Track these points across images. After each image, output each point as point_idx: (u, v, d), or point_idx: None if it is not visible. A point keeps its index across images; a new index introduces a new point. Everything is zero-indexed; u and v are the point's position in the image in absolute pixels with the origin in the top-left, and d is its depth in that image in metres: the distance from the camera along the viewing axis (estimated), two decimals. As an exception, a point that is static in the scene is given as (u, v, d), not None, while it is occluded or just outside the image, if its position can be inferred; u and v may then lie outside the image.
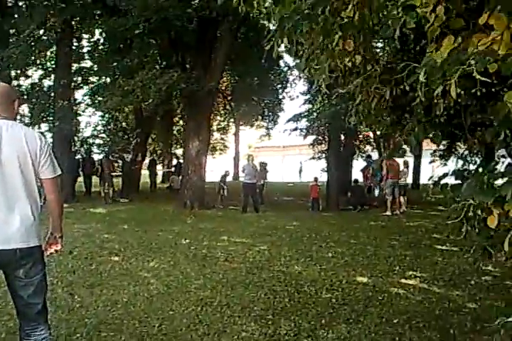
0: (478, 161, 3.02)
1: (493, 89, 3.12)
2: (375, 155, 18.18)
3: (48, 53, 15.72)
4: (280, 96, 23.16)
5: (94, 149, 16.76)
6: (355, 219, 10.84)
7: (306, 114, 16.64)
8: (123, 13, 11.28)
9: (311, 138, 18.80)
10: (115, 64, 14.39)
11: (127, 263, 6.10)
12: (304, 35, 2.78)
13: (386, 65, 3.31)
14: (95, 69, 15.96)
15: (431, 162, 17.43)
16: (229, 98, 23.90)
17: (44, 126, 14.96)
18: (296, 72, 19.68)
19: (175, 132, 26.09)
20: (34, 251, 2.50)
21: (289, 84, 22.34)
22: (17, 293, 2.51)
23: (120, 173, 16.45)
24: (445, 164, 16.11)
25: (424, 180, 17.39)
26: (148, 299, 4.56)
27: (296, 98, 22.11)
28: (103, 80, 16.43)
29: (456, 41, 2.04)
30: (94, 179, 16.10)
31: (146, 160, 21.59)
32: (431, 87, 2.12)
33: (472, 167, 2.76)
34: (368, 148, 19.36)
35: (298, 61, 3.34)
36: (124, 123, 20.98)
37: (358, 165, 17.54)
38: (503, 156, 2.91)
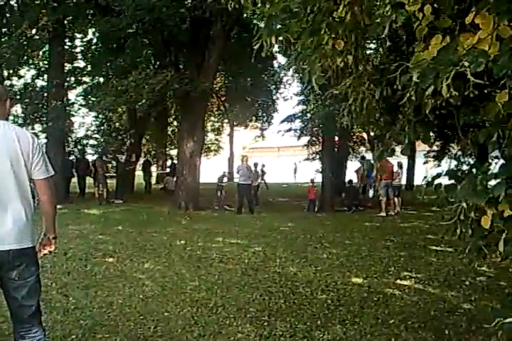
0: (472, 162, 3.03)
1: (485, 90, 3.13)
2: (369, 157, 18.21)
3: (41, 53, 15.63)
4: (274, 97, 23.19)
5: (88, 150, 16.70)
6: (350, 220, 10.86)
7: (300, 114, 16.68)
8: (116, 12, 11.23)
9: (305, 139, 18.83)
10: (108, 64, 14.34)
11: (122, 264, 6.07)
12: (293, 34, 2.78)
13: (379, 65, 3.32)
14: (88, 69, 15.90)
15: (424, 163, 17.54)
16: (223, 98, 23.88)
17: (37, 127, 14.89)
18: (290, 73, 19.72)
19: (169, 133, 26.02)
20: (27, 252, 2.47)
21: (282, 85, 22.41)
22: (10, 294, 2.48)
23: (114, 174, 16.38)
24: (439, 165, 16.21)
25: (418, 181, 17.46)
26: (143, 300, 4.54)
27: (290, 99, 22.21)
28: (96, 80, 16.37)
29: (444, 40, 2.05)
30: (89, 180, 16.02)
31: (141, 161, 21.52)
32: (421, 87, 2.13)
33: (466, 167, 2.76)
34: (362, 149, 19.41)
35: (288, 61, 3.34)
36: (117, 124, 20.92)
37: (352, 166, 17.59)
38: (496, 157, 2.92)
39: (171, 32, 11.66)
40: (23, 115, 15.24)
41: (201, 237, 8.21)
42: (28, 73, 16.63)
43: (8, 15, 14.20)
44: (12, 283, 2.46)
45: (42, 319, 2.65)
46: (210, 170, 23.87)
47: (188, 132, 13.14)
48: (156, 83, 11.25)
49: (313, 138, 18.32)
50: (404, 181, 16.46)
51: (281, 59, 19.27)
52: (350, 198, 13.26)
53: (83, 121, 18.33)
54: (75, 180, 16.21)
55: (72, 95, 16.50)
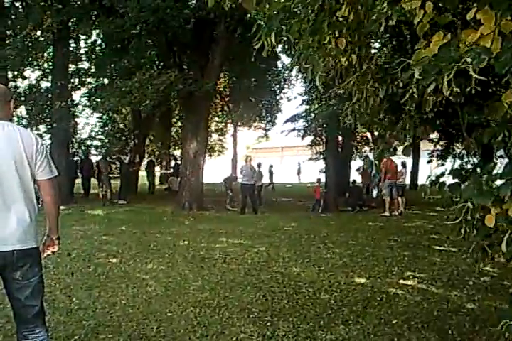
0: (476, 161, 3.02)
1: (489, 89, 3.12)
2: (372, 156, 18.18)
3: (45, 54, 15.71)
4: (278, 97, 23.21)
5: (92, 151, 16.75)
6: (354, 220, 10.84)
7: (303, 114, 16.67)
8: (120, 14, 11.26)
9: (309, 139, 18.82)
10: (112, 65, 14.37)
11: (125, 265, 6.08)
12: (294, 33, 2.78)
13: (383, 64, 3.32)
14: (92, 70, 15.94)
15: (428, 162, 17.47)
16: (226, 99, 23.90)
17: (42, 128, 14.94)
18: (294, 73, 19.71)
19: (173, 133, 26.07)
20: (31, 252, 2.48)
21: (286, 85, 22.40)
22: (14, 295, 2.50)
23: (118, 175, 16.42)
24: (442, 164, 16.16)
25: (422, 180, 17.42)
26: (146, 301, 4.55)
27: (294, 99, 22.20)
28: (100, 81, 16.41)
29: (446, 37, 2.05)
30: (93, 181, 16.06)
31: (144, 162, 21.56)
32: (422, 84, 2.12)
33: (470, 166, 2.75)
34: (366, 148, 19.39)
35: (291, 61, 3.36)
36: (121, 125, 20.97)
37: (356, 166, 17.56)
38: (501, 156, 2.91)
39: (175, 33, 11.67)
40: (27, 116, 15.29)
41: (205, 237, 8.22)
42: (32, 74, 16.73)
43: (12, 17, 14.26)
44: (16, 284, 2.47)
45: (45, 319, 2.66)
46: (214, 170, 23.89)
47: (191, 132, 13.16)
48: (160, 84, 11.28)
49: (317, 138, 18.32)
50: (408, 181, 16.41)
51: (285, 59, 19.29)
52: (354, 198, 13.24)
53: (87, 122, 18.39)
54: (79, 180, 16.28)
55: (76, 96, 16.56)
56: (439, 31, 2.10)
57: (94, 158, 16.82)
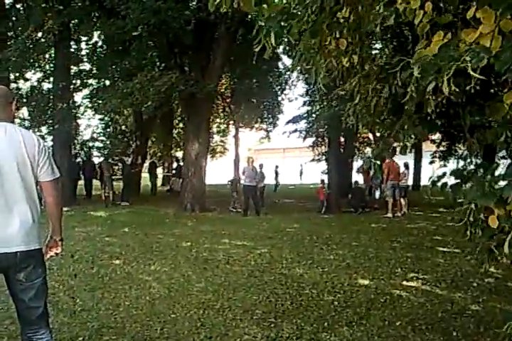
0: (478, 162, 3.01)
1: (491, 90, 3.11)
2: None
3: (47, 56, 15.72)
4: (279, 98, 23.20)
5: (94, 152, 16.75)
6: (356, 222, 10.82)
7: (305, 115, 16.67)
8: (121, 15, 11.28)
9: (310, 140, 18.82)
10: (114, 66, 14.40)
11: (128, 266, 6.08)
12: (294, 35, 2.78)
13: (384, 65, 3.32)
14: (94, 71, 15.95)
15: (431, 163, 17.47)
16: (228, 100, 23.90)
17: (44, 129, 14.94)
18: (295, 74, 19.72)
19: (175, 135, 26.07)
20: (34, 253, 2.48)
21: (288, 86, 22.40)
22: (18, 296, 2.50)
23: (120, 176, 16.43)
24: (445, 165, 16.13)
25: (424, 181, 17.39)
26: (150, 302, 4.54)
27: (295, 100, 22.17)
28: (102, 83, 16.43)
29: (446, 37, 2.05)
30: (95, 182, 16.08)
31: (146, 163, 21.58)
32: (422, 84, 2.12)
33: (472, 167, 2.75)
34: (368, 149, 19.37)
35: (293, 62, 3.36)
36: (123, 126, 20.99)
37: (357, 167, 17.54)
38: (504, 157, 2.90)
39: (176, 34, 11.69)
40: (29, 118, 15.30)
41: (207, 239, 8.21)
42: (34, 76, 16.73)
43: (14, 18, 14.30)
44: (19, 285, 2.47)
45: (49, 321, 2.66)
46: (216, 171, 23.89)
47: (193, 134, 13.16)
48: (162, 85, 11.29)
49: (319, 139, 18.31)
50: (410, 182, 16.40)
51: (286, 60, 19.31)
52: (357, 199, 13.22)
53: (89, 124, 18.41)
54: (81, 182, 16.29)
55: (78, 98, 16.57)
56: (439, 31, 2.10)
57: (96, 160, 16.84)
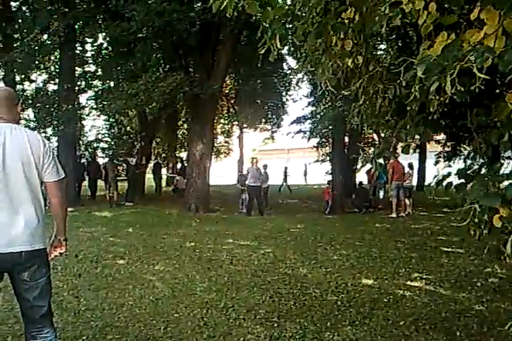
0: (482, 162, 3.01)
1: (497, 90, 3.11)
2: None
3: (52, 58, 15.81)
4: (284, 99, 23.19)
5: (99, 153, 16.81)
6: (360, 222, 10.81)
7: (309, 116, 16.66)
8: (126, 17, 11.33)
9: (315, 141, 18.80)
10: (119, 68, 14.45)
11: (132, 266, 6.11)
12: (299, 36, 2.79)
13: (389, 66, 3.32)
14: (99, 73, 16.03)
15: (435, 163, 17.41)
16: (232, 101, 23.94)
17: (49, 131, 15.01)
18: (299, 75, 19.71)
19: (179, 135, 26.13)
20: (39, 253, 2.50)
21: (292, 87, 22.40)
22: (22, 295, 2.52)
23: (125, 177, 16.47)
24: (449, 165, 16.06)
25: (429, 182, 17.35)
26: (153, 302, 4.56)
27: (300, 100, 22.16)
28: (107, 84, 16.50)
29: (450, 37, 2.05)
30: (100, 183, 16.14)
31: (151, 164, 21.62)
32: (425, 84, 2.13)
33: (476, 167, 2.74)
34: (372, 150, 19.32)
35: (299, 64, 3.37)
36: (128, 127, 21.04)
37: (363, 167, 17.49)
38: (509, 158, 2.90)
39: (181, 36, 11.72)
40: (35, 119, 15.38)
41: (211, 239, 8.23)
42: (39, 78, 16.82)
43: (19, 21, 14.39)
44: (24, 284, 2.49)
45: (53, 320, 2.68)
46: (220, 172, 23.90)
47: (197, 134, 13.19)
48: (166, 86, 11.33)
49: (323, 140, 18.28)
50: (415, 182, 16.37)
51: (290, 61, 19.30)
52: (361, 199, 13.21)
53: (94, 125, 18.49)
54: (86, 183, 16.36)
55: (83, 99, 16.64)
56: (443, 32, 2.11)
57: (100, 161, 16.90)
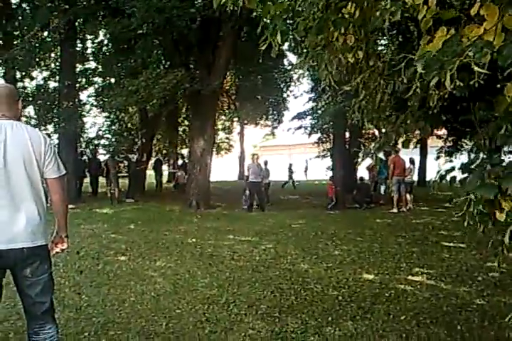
0: (484, 157, 3.01)
1: (498, 85, 3.11)
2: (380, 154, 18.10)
3: (53, 55, 15.79)
4: (284, 95, 23.15)
5: (100, 150, 16.82)
6: (361, 217, 10.82)
7: (310, 112, 16.65)
8: (126, 14, 11.30)
9: (316, 137, 18.79)
10: (119, 64, 14.42)
11: (134, 262, 6.13)
12: (300, 32, 2.78)
13: (390, 61, 3.32)
14: (99, 70, 16.01)
15: (437, 158, 17.40)
16: (233, 97, 23.90)
17: (50, 128, 15.02)
18: (300, 71, 19.68)
19: (180, 132, 26.12)
20: (40, 250, 2.51)
21: (293, 83, 22.36)
22: (24, 291, 2.53)
23: (126, 174, 16.48)
24: (451, 160, 16.05)
25: (430, 177, 17.34)
26: (155, 298, 4.58)
27: (301, 96, 22.13)
28: (107, 81, 16.48)
29: (449, 33, 2.05)
30: (101, 179, 16.17)
31: (152, 161, 21.63)
32: (425, 79, 2.13)
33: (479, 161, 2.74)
34: (373, 145, 19.31)
35: (300, 60, 3.36)
36: (129, 124, 21.03)
37: (363, 163, 17.49)
38: (510, 152, 2.89)
39: (181, 32, 11.69)
40: (35, 116, 15.39)
41: (212, 235, 8.25)
42: (40, 75, 16.81)
43: (20, 18, 14.36)
44: (26, 281, 2.50)
45: (55, 316, 2.69)
46: (221, 168, 23.90)
47: (198, 131, 13.18)
48: (167, 83, 11.31)
49: (324, 136, 18.27)
50: (416, 177, 16.36)
51: (291, 57, 19.26)
52: (362, 195, 13.21)
53: (94, 122, 18.45)
54: (87, 180, 16.38)
55: (83, 96, 16.64)
56: (443, 26, 2.10)
57: (101, 157, 16.92)
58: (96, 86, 16.42)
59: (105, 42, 15.87)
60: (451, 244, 7.16)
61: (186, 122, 24.26)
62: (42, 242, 2.52)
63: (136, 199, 14.53)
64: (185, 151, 25.35)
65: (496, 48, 1.83)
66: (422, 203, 12.78)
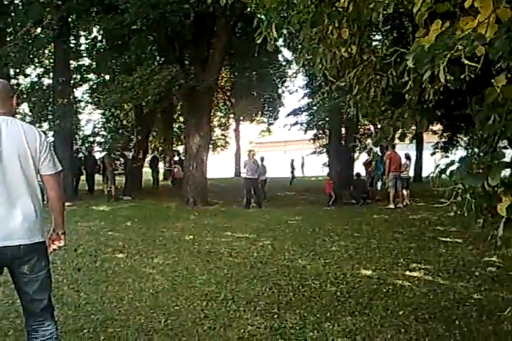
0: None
1: (492, 79, 3.10)
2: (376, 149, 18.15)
3: (46, 51, 15.69)
4: (280, 91, 23.16)
5: (95, 147, 16.76)
6: (358, 213, 10.84)
7: (306, 108, 16.65)
8: (120, 10, 11.23)
9: (312, 133, 18.79)
10: (113, 61, 14.37)
11: (132, 259, 6.11)
12: (295, 26, 2.77)
13: (384, 56, 3.31)
14: (94, 66, 15.94)
15: (432, 154, 17.45)
16: (228, 93, 23.87)
17: (45, 125, 14.95)
18: (295, 66, 19.66)
19: (175, 129, 26.08)
20: (38, 247, 2.50)
21: (288, 78, 22.36)
22: (22, 289, 2.52)
23: (122, 171, 16.45)
24: (447, 156, 16.11)
25: (426, 173, 17.38)
26: (153, 295, 4.57)
27: (296, 92, 22.10)
28: (102, 77, 16.41)
29: (444, 25, 2.04)
30: (97, 177, 16.12)
31: (148, 158, 21.59)
32: (419, 72, 2.12)
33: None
34: (369, 141, 19.34)
35: (295, 55, 3.35)
36: (124, 121, 20.98)
37: (360, 158, 17.50)
38: (505, 147, 2.89)
39: (175, 28, 11.64)
40: (30, 113, 15.31)
41: (210, 232, 8.24)
42: (34, 72, 16.71)
43: (12, 14, 14.25)
44: (23, 278, 2.49)
45: (54, 313, 2.68)
46: (218, 165, 23.87)
47: (194, 127, 13.15)
48: (162, 79, 11.27)
49: (320, 132, 18.27)
50: (412, 173, 16.41)
51: (286, 52, 19.22)
52: (359, 191, 13.22)
53: (90, 119, 18.41)
54: (83, 177, 16.32)
55: (78, 93, 16.56)
56: (438, 19, 2.09)
57: (97, 155, 16.86)
58: (90, 83, 16.37)
59: (99, 38, 15.82)
60: (448, 239, 7.18)
61: (182, 119, 24.22)
62: (39, 239, 2.50)
63: (133, 197, 14.50)
64: (181, 148, 25.31)
65: (487, 40, 1.83)
66: (418, 199, 12.81)
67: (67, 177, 12.45)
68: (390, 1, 2.30)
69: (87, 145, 16.76)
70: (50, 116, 14.43)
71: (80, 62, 16.16)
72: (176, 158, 22.80)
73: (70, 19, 13.72)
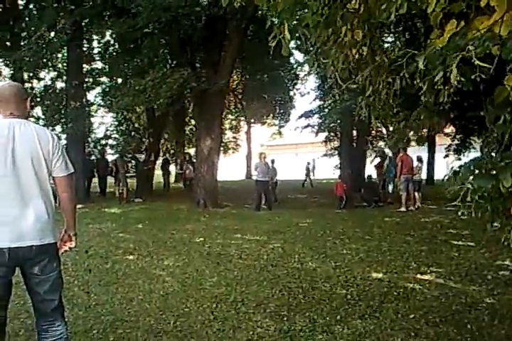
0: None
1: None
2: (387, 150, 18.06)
3: (59, 55, 15.89)
4: (291, 93, 23.13)
5: (108, 150, 16.91)
6: (370, 216, 10.77)
7: (317, 110, 16.61)
8: (132, 13, 11.34)
9: (323, 135, 18.73)
10: (126, 64, 14.49)
11: (142, 261, 6.14)
12: (309, 28, 2.77)
13: (397, 58, 3.29)
14: (106, 70, 16.09)
15: (445, 156, 17.28)
16: (240, 96, 23.91)
17: (58, 128, 15.13)
18: (307, 68, 19.64)
19: (187, 131, 26.19)
20: (49, 247, 2.52)
21: (299, 81, 22.33)
22: (33, 289, 2.54)
23: (134, 173, 16.56)
24: (459, 158, 15.95)
25: (438, 175, 17.23)
26: (163, 296, 4.59)
27: (307, 94, 22.07)
28: (114, 81, 16.55)
29: (459, 25, 2.01)
30: (110, 179, 16.23)
31: (159, 160, 21.69)
32: (431, 74, 2.10)
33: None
34: (381, 144, 19.25)
35: (307, 57, 3.36)
36: (136, 124, 21.13)
37: (372, 161, 17.41)
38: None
39: (187, 31, 11.71)
40: (43, 117, 15.49)
41: (220, 234, 8.25)
42: (47, 75, 16.94)
43: (27, 19, 14.46)
44: (35, 278, 2.51)
45: (64, 314, 2.69)
46: (229, 168, 23.90)
47: (205, 130, 13.19)
48: (173, 82, 11.34)
49: (331, 134, 18.21)
50: (424, 176, 16.28)
51: (297, 54, 19.22)
52: (370, 193, 13.13)
53: (102, 122, 18.58)
54: (95, 180, 16.45)
55: (91, 96, 16.73)
56: (453, 20, 2.07)
57: (109, 157, 17.00)
58: (103, 86, 16.52)
59: (111, 42, 15.96)
60: (460, 243, 7.10)
61: (193, 121, 24.31)
62: (50, 240, 2.53)
63: (144, 199, 14.57)
64: (192, 151, 25.39)
65: (500, 41, 1.81)
66: (430, 201, 12.69)
67: (79, 180, 12.57)
68: (403, 1, 2.28)
69: (99, 147, 16.90)
70: (63, 119, 14.59)
71: (93, 66, 16.37)
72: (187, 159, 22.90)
73: (83, 23, 13.88)
